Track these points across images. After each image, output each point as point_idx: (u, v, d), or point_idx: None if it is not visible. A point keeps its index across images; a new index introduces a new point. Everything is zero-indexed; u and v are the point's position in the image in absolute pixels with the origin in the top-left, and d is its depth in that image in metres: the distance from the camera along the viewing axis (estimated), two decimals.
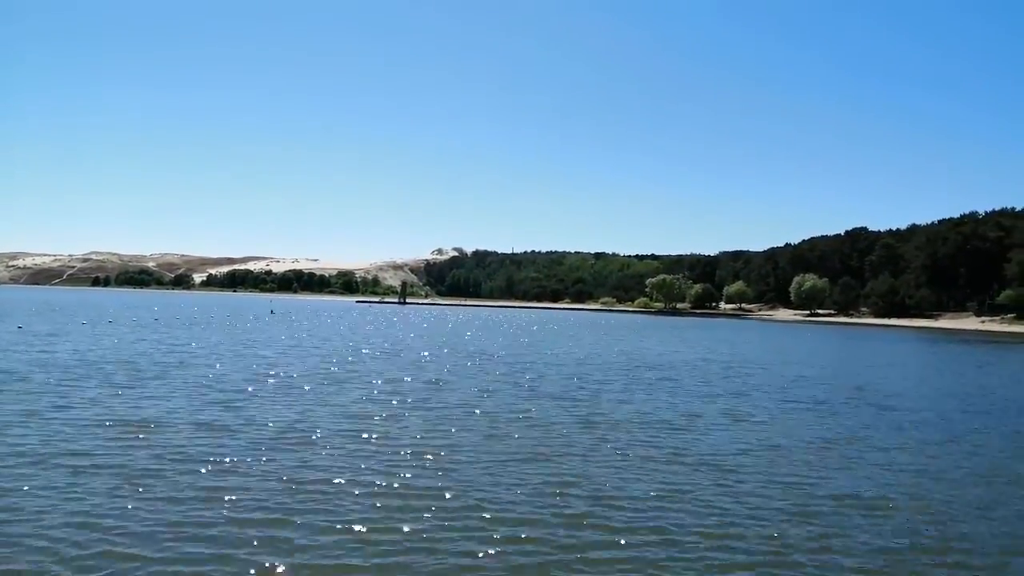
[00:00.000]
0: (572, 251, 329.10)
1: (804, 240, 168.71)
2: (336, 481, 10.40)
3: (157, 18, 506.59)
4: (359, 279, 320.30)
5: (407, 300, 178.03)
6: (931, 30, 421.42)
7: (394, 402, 17.86)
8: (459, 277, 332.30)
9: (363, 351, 33.77)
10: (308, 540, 8.12)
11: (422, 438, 13.59)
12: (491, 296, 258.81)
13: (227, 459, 11.43)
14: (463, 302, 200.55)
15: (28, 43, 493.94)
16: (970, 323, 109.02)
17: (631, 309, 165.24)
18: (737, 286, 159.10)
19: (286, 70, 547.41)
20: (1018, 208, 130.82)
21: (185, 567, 7.30)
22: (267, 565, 7.43)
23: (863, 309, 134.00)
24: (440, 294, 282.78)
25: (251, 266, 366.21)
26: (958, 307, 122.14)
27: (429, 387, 21.06)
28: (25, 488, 9.55)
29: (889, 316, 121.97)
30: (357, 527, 8.58)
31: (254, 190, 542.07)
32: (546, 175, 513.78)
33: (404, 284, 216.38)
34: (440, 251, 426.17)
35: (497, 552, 8.00)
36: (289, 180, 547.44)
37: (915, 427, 17.07)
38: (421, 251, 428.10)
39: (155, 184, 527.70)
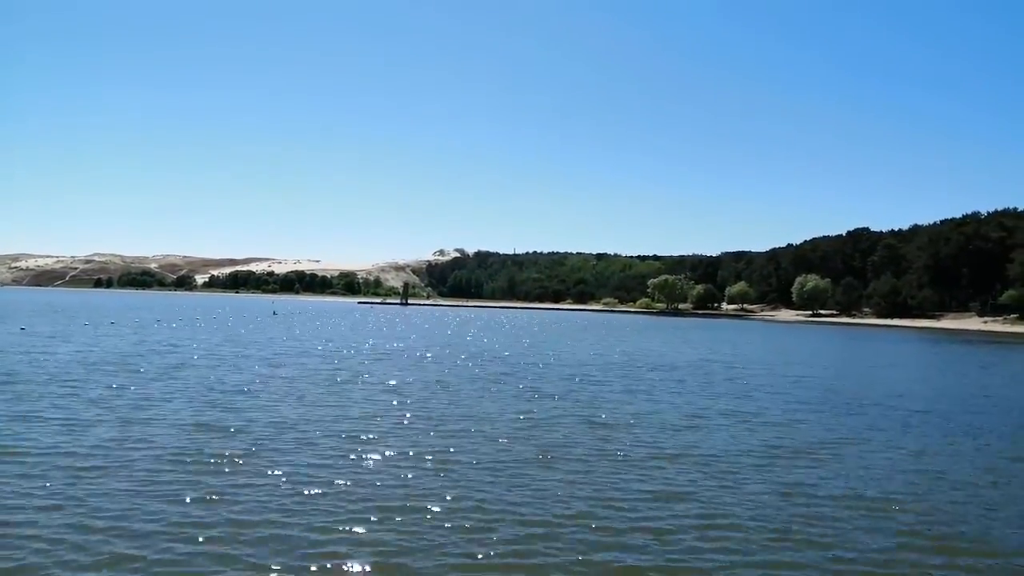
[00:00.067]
0: (574, 252, 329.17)
1: (806, 240, 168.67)
2: (337, 482, 10.38)
3: (159, 18, 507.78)
4: (361, 280, 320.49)
5: (409, 301, 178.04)
6: (933, 30, 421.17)
7: (395, 402, 17.85)
8: (461, 278, 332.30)
9: (365, 352, 33.76)
10: (308, 541, 8.11)
11: (423, 438, 13.58)
12: (493, 297, 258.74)
13: (227, 459, 11.42)
14: (465, 303, 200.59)
15: (29, 43, 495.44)
16: (972, 323, 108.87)
17: (633, 310, 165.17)
18: (739, 287, 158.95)
19: (287, 70, 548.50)
20: (1020, 208, 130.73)
21: (185, 568, 7.29)
22: (267, 565, 7.41)
23: (865, 309, 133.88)
24: (442, 295, 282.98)
25: (253, 267, 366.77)
26: (960, 307, 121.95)
27: (430, 387, 21.04)
28: (25, 488, 9.54)
29: (891, 316, 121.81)
30: (357, 527, 8.56)
31: (256, 191, 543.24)
32: (548, 176, 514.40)
33: (406, 285, 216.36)
34: (442, 252, 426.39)
35: (498, 552, 7.98)
36: (291, 181, 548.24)
37: (918, 428, 17.02)
38: (423, 252, 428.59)
39: (157, 185, 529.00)
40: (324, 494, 9.79)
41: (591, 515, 9.30)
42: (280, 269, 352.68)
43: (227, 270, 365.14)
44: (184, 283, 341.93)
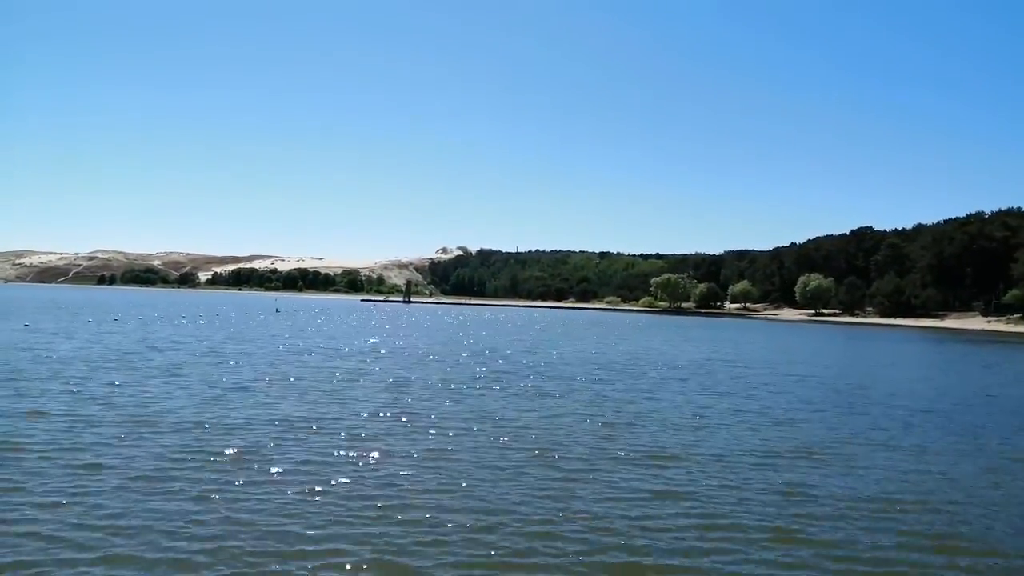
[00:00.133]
0: (576, 250, 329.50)
1: (809, 240, 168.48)
2: (337, 480, 10.38)
3: (160, 17, 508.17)
4: (364, 278, 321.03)
5: (412, 299, 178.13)
6: (936, 29, 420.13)
7: (397, 400, 17.85)
8: (463, 276, 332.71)
9: (367, 350, 33.78)
10: (308, 538, 8.10)
11: (424, 437, 13.58)
12: (495, 295, 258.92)
13: (228, 457, 11.43)
14: (467, 301, 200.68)
15: (30, 42, 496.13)
16: (976, 323, 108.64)
17: (636, 308, 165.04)
18: (742, 286, 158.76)
19: (289, 69, 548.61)
20: None
21: (186, 566, 7.29)
22: (267, 564, 7.42)
23: (868, 309, 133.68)
24: (444, 293, 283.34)
25: (256, 265, 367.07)
26: (964, 307, 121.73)
27: (432, 386, 21.04)
28: (27, 485, 9.55)
29: (895, 316, 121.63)
30: (358, 527, 8.56)
31: (259, 189, 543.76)
32: (550, 174, 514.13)
33: (409, 283, 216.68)
34: (445, 250, 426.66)
35: (499, 552, 7.97)
36: (294, 179, 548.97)
37: (920, 427, 16.98)
38: (426, 250, 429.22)
39: (160, 183, 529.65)
40: (324, 492, 9.79)
41: (592, 514, 9.29)
42: (283, 267, 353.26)
43: (230, 267, 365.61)
44: (187, 280, 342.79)
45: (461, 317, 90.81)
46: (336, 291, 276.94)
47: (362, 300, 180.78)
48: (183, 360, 25.53)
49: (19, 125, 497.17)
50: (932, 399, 22.58)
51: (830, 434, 15.57)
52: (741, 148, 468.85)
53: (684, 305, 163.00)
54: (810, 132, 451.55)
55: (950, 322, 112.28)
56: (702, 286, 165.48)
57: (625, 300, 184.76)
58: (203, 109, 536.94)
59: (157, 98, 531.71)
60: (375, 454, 12.02)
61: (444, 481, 10.56)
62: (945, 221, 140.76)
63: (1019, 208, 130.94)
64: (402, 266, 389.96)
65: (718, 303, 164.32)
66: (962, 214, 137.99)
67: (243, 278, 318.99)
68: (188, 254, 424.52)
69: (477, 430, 14.42)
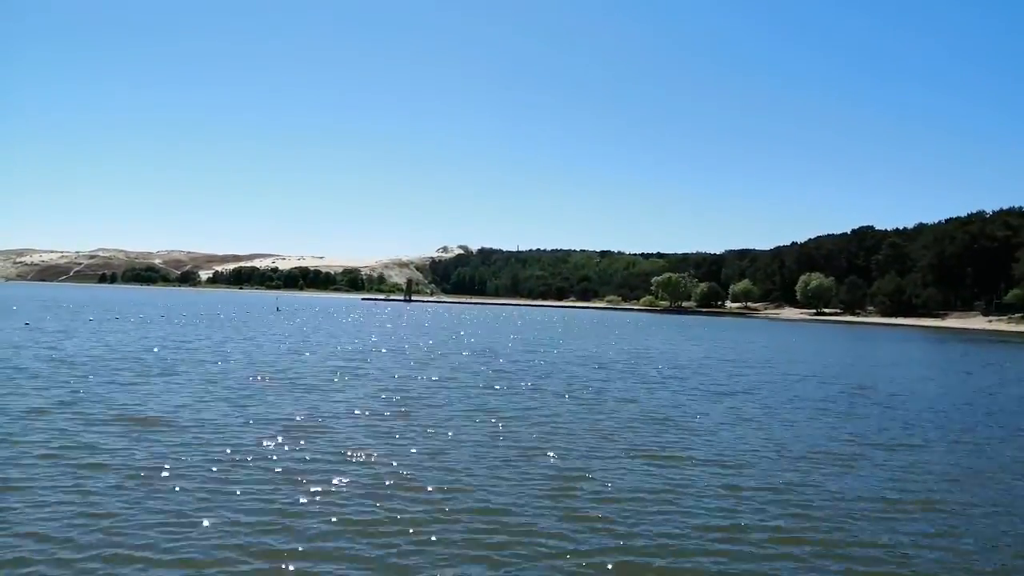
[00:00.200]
0: (577, 249, 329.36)
1: (810, 239, 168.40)
2: (338, 480, 10.37)
3: (162, 15, 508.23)
4: (365, 277, 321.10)
5: (412, 298, 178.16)
6: (939, 28, 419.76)
7: (396, 399, 17.84)
8: (464, 275, 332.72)
9: (368, 348, 33.77)
10: (309, 537, 8.09)
11: (426, 436, 13.56)
12: (496, 294, 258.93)
13: (231, 456, 11.41)
14: (468, 300, 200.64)
15: (31, 40, 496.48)
16: (977, 323, 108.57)
17: (636, 307, 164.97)
18: (743, 285, 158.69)
19: (291, 67, 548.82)
20: None
21: (186, 566, 7.28)
22: (268, 565, 7.40)
23: (870, 308, 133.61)
24: (445, 292, 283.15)
25: (257, 263, 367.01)
26: (965, 306, 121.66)
27: (434, 384, 21.03)
28: (29, 484, 9.55)
29: (896, 315, 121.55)
30: (359, 526, 8.55)
31: (260, 188, 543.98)
32: (551, 173, 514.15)
33: (410, 282, 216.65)
34: (445, 249, 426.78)
35: (499, 552, 7.96)
36: (295, 178, 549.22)
37: (922, 427, 16.96)
38: (426, 249, 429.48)
39: (161, 181, 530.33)
40: (324, 492, 9.77)
41: (593, 514, 9.27)
42: (284, 265, 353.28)
43: (231, 266, 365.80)
44: (188, 279, 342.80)
45: (462, 316, 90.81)
46: (337, 290, 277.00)
47: (363, 299, 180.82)
48: (183, 359, 25.52)
49: (20, 124, 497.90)
50: (933, 399, 22.55)
51: (831, 434, 15.55)
52: (742, 147, 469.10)
53: (685, 304, 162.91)
54: (812, 131, 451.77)
55: (951, 321, 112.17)
56: (703, 285, 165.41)
57: (626, 299, 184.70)
58: (204, 108, 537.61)
59: (158, 96, 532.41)
60: (375, 453, 12.01)
61: (444, 481, 10.54)
62: (946, 220, 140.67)
63: (1020, 207, 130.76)
64: (403, 265, 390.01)
65: (719, 302, 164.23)
66: (963, 213, 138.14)
67: (244, 277, 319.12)
68: (189, 252, 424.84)
69: (477, 429, 14.41)
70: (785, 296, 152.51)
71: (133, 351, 27.61)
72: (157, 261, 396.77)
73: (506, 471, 11.22)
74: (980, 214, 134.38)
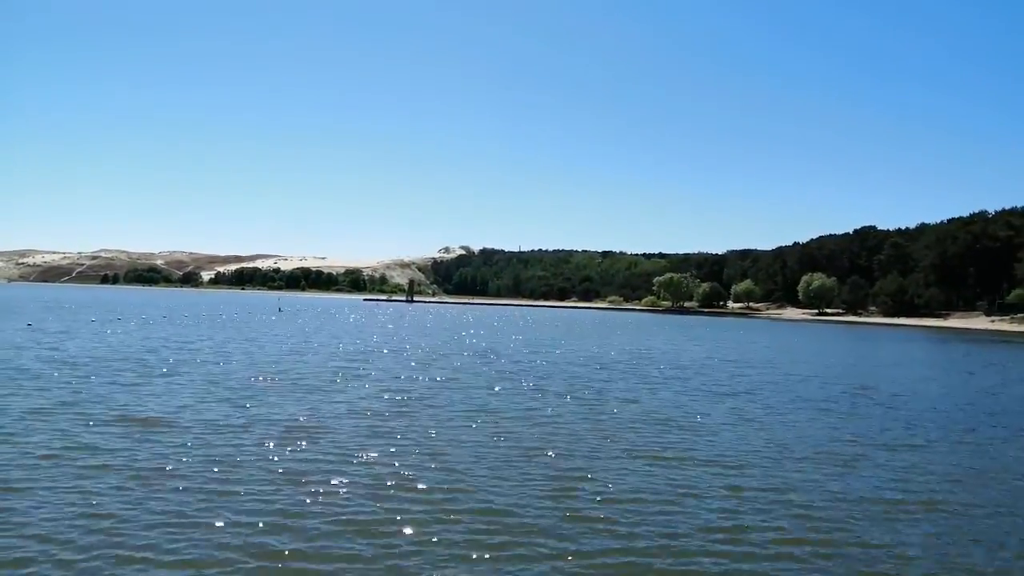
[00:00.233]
0: (579, 249, 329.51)
1: (812, 239, 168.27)
2: (339, 480, 10.37)
3: (162, 15, 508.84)
4: (367, 277, 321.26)
5: (414, 299, 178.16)
6: (941, 28, 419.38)
7: (399, 399, 17.84)
8: (466, 275, 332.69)
9: (370, 349, 33.77)
10: (311, 539, 8.09)
11: (428, 436, 13.55)
12: (498, 295, 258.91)
13: (232, 456, 11.41)
14: (470, 301, 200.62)
15: (32, 40, 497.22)
16: (979, 323, 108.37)
17: (638, 308, 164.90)
18: (745, 285, 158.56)
19: (291, 67, 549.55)
20: None
21: (187, 567, 7.28)
22: (268, 565, 7.40)
23: (872, 308, 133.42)
24: (447, 292, 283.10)
25: (259, 264, 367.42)
26: (967, 306, 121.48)
27: (436, 385, 21.03)
28: (31, 485, 9.55)
29: (898, 315, 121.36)
30: (360, 526, 8.54)
31: (262, 188, 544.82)
32: (553, 173, 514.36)
33: (411, 282, 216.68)
34: (447, 249, 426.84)
35: (500, 552, 7.95)
36: (297, 178, 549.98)
37: (924, 427, 16.92)
38: (428, 249, 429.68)
39: (163, 182, 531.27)
40: (325, 492, 9.76)
41: (594, 515, 9.26)
42: (286, 266, 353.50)
43: (233, 267, 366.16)
44: (190, 280, 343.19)
45: (464, 317, 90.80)
46: (339, 290, 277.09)
47: (365, 300, 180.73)
48: (185, 359, 25.53)
49: (21, 124, 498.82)
50: (935, 399, 22.52)
51: (833, 434, 15.53)
52: (744, 147, 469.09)
53: (687, 304, 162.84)
54: (813, 131, 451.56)
55: (953, 322, 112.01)
56: (705, 285, 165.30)
57: (628, 299, 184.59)
58: (205, 108, 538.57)
59: (159, 96, 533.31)
60: (376, 454, 12.00)
61: (446, 481, 10.53)
62: (949, 220, 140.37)
63: (1023, 207, 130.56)
64: (405, 265, 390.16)
65: (721, 302, 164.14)
66: (966, 213, 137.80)
67: (246, 277, 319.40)
68: (191, 253, 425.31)
69: (479, 430, 14.40)
70: (787, 296, 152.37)
71: (135, 352, 27.63)
72: (159, 262, 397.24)
73: (508, 472, 11.21)
74: (982, 214, 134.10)
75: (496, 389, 20.62)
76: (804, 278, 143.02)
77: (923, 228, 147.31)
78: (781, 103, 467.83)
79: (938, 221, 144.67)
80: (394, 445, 12.71)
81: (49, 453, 11.21)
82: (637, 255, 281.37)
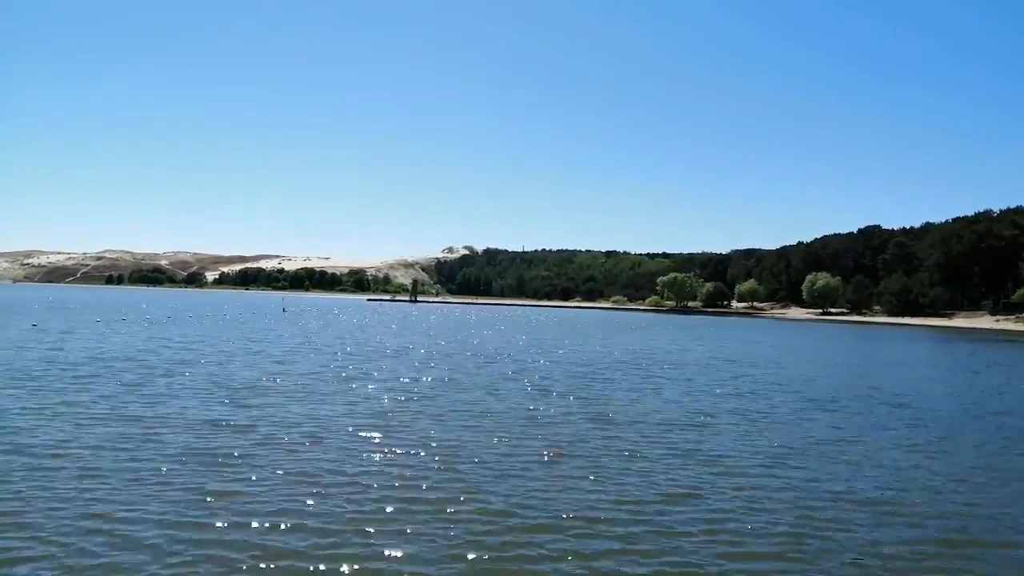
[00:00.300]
0: (583, 249, 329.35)
1: (817, 238, 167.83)
2: (340, 481, 10.37)
3: (166, 15, 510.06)
4: (370, 277, 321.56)
5: (418, 299, 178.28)
6: (941, 28, 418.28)
7: (402, 399, 17.84)
8: (470, 275, 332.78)
9: (373, 349, 33.79)
10: (310, 541, 8.09)
11: (429, 436, 13.54)
12: (502, 295, 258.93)
13: (234, 457, 11.42)
14: (474, 301, 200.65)
15: (32, 41, 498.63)
16: (984, 322, 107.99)
17: (642, 308, 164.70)
18: (749, 284, 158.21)
19: (292, 67, 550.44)
20: None
21: (188, 567, 7.28)
22: (269, 565, 7.40)
23: (876, 308, 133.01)
24: (451, 292, 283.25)
25: (263, 264, 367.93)
26: (972, 306, 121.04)
27: (439, 385, 21.03)
28: (33, 485, 9.57)
29: (902, 315, 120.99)
30: (362, 527, 8.54)
31: (266, 188, 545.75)
32: (554, 173, 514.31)
33: (415, 282, 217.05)
34: (451, 249, 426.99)
35: (502, 552, 7.94)
36: (300, 178, 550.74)
37: (929, 426, 16.87)
38: (432, 250, 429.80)
39: (167, 183, 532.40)
40: (326, 493, 9.77)
41: (596, 516, 9.24)
42: (290, 266, 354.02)
43: (237, 267, 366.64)
44: (194, 280, 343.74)
45: (467, 317, 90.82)
46: (342, 291, 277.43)
47: (368, 300, 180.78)
48: (189, 360, 25.58)
49: (24, 125, 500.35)
50: (940, 399, 22.45)
51: (837, 434, 15.48)
52: (746, 146, 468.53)
53: (691, 304, 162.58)
54: (815, 130, 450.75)
55: (958, 321, 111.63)
56: (709, 285, 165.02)
57: (631, 299, 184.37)
58: (207, 108, 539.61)
59: (162, 97, 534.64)
60: (378, 455, 12.01)
61: (446, 481, 10.53)
62: (953, 220, 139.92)
63: None
64: (408, 265, 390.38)
65: (725, 302, 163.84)
66: (970, 212, 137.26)
67: (250, 278, 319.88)
68: (195, 254, 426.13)
69: (483, 429, 14.39)
70: (791, 296, 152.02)
71: (139, 352, 27.68)
72: (163, 262, 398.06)
73: (508, 472, 11.20)
74: (987, 213, 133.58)
75: (498, 389, 20.61)
76: (808, 277, 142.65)
77: (928, 227, 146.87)
78: (781, 103, 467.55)
79: (943, 220, 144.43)
80: (395, 445, 12.71)
81: (50, 453, 11.23)
82: (641, 255, 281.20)
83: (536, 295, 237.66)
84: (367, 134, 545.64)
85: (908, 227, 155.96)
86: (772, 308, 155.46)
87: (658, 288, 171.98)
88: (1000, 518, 9.85)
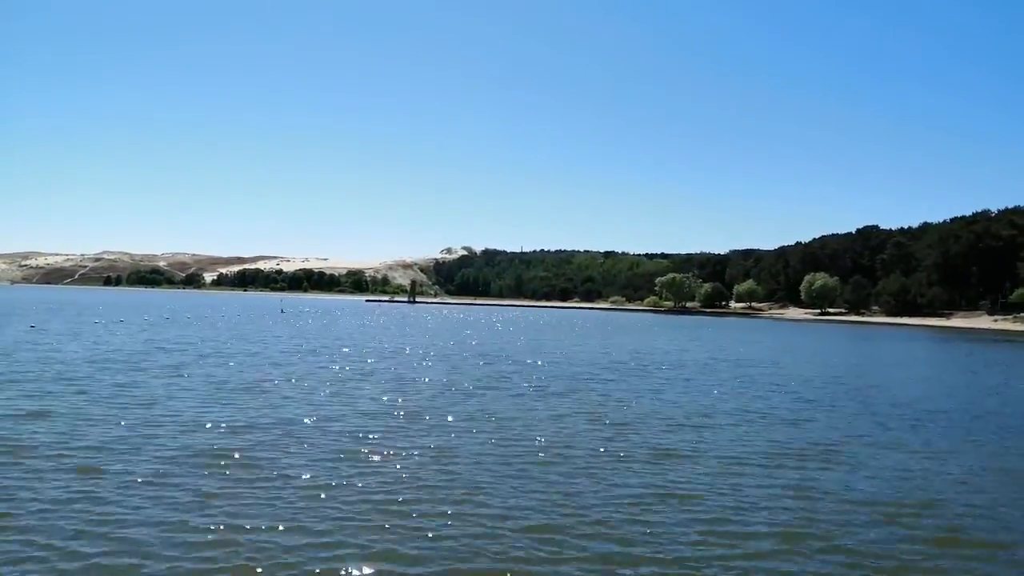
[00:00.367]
0: (581, 250, 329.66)
1: (815, 238, 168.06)
2: (341, 482, 10.34)
3: (163, 16, 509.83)
4: (369, 278, 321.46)
5: (416, 299, 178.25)
6: (941, 28, 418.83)
7: (401, 401, 17.81)
8: (468, 276, 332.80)
9: (372, 350, 33.76)
10: (311, 542, 8.06)
11: (428, 437, 13.52)
12: (500, 295, 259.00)
13: (232, 458, 11.39)
14: (472, 301, 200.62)
15: (32, 42, 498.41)
16: (982, 322, 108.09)
17: (641, 308, 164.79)
18: (747, 285, 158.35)
19: (292, 68, 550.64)
20: None
21: (189, 567, 7.25)
22: (269, 566, 7.37)
23: (874, 308, 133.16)
24: (449, 293, 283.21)
25: (261, 265, 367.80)
26: (970, 306, 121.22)
27: (436, 386, 21.00)
28: (33, 486, 9.54)
29: (901, 315, 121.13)
30: (361, 529, 8.51)
31: (264, 189, 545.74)
32: (553, 173, 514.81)
33: (414, 283, 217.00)
34: (449, 250, 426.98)
35: (502, 552, 7.92)
36: (299, 179, 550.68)
37: (927, 427, 16.87)
38: (430, 250, 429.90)
39: (166, 184, 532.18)
40: (327, 495, 9.74)
41: (596, 516, 9.22)
42: (288, 267, 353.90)
43: (235, 268, 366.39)
44: (193, 281, 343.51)
45: (466, 317, 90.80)
46: (341, 291, 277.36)
47: (367, 301, 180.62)
48: (188, 361, 25.54)
49: (23, 126, 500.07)
50: (939, 398, 22.45)
51: (836, 434, 15.47)
52: (745, 147, 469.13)
53: (689, 305, 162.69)
54: (814, 131, 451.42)
55: (956, 321, 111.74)
56: (707, 285, 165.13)
57: (630, 300, 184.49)
58: (207, 109, 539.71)
59: (161, 98, 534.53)
60: (377, 456, 11.98)
61: (447, 482, 10.50)
62: (951, 220, 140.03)
63: None
64: (407, 266, 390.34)
65: (723, 302, 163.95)
66: (968, 212, 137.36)
67: (248, 279, 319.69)
68: (193, 255, 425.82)
69: (480, 430, 14.36)
70: (789, 296, 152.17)
71: (138, 353, 27.63)
72: (162, 263, 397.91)
73: (508, 472, 11.18)
74: (985, 213, 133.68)
75: (497, 390, 20.59)
76: (807, 278, 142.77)
77: (926, 227, 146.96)
78: (781, 103, 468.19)
79: (941, 220, 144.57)
80: (394, 446, 12.68)
81: (51, 453, 11.20)
82: (639, 255, 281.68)
83: (535, 296, 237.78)
84: (366, 135, 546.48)
85: (906, 227, 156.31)
86: (770, 308, 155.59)
87: (656, 288, 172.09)
88: (999, 518, 9.84)
